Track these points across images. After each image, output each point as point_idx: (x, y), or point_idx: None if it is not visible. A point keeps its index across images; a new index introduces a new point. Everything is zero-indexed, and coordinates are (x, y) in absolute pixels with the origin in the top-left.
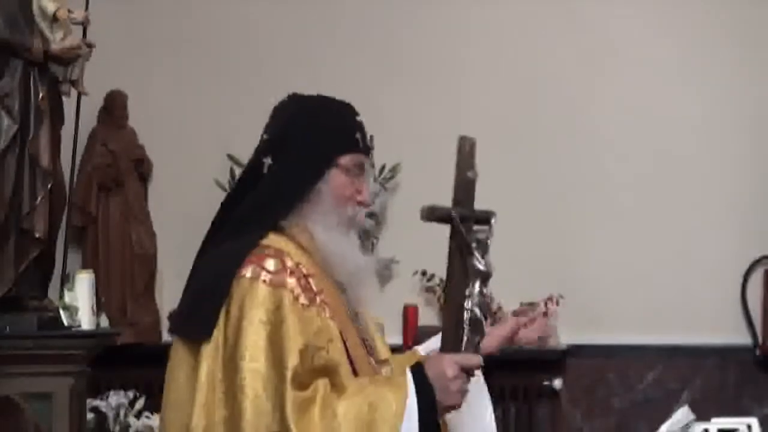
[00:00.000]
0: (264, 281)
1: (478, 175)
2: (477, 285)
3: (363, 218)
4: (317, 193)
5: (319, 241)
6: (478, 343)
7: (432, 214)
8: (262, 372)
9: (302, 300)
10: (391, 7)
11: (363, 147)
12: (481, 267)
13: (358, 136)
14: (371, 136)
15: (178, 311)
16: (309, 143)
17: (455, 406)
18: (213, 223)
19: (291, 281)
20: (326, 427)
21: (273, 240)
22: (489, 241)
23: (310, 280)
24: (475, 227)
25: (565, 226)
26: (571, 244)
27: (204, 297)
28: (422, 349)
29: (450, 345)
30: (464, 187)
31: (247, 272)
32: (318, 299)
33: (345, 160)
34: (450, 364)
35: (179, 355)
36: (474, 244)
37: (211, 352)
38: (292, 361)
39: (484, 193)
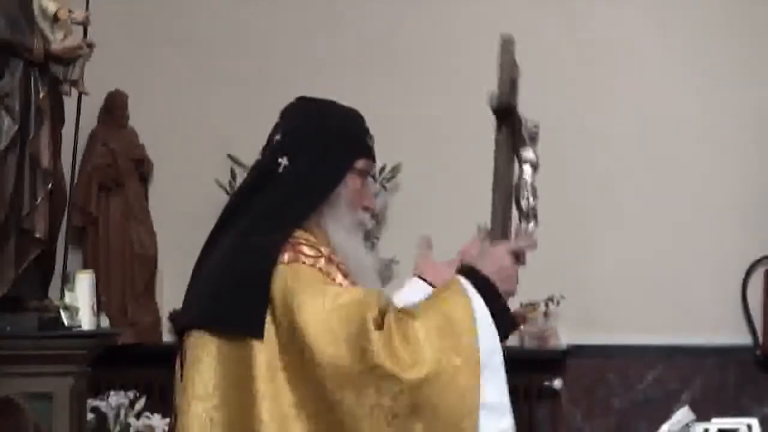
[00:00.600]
0: (304, 263)
1: (520, 74)
2: (530, 174)
3: (369, 223)
4: (336, 196)
5: (335, 241)
6: (532, 229)
7: (494, 102)
8: (330, 324)
9: (344, 284)
10: (391, 7)
11: (373, 154)
12: (533, 157)
13: (369, 142)
14: (371, 137)
15: (203, 303)
16: (327, 146)
17: (514, 293)
18: (222, 217)
19: (332, 267)
20: (412, 353)
21: (300, 235)
22: (539, 135)
23: (343, 267)
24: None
25: (565, 226)
26: (572, 244)
27: (245, 291)
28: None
29: (499, 233)
30: (511, 86)
31: (285, 258)
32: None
33: (361, 164)
34: (505, 255)
35: (206, 348)
36: (528, 136)
37: (260, 344)
38: (371, 313)
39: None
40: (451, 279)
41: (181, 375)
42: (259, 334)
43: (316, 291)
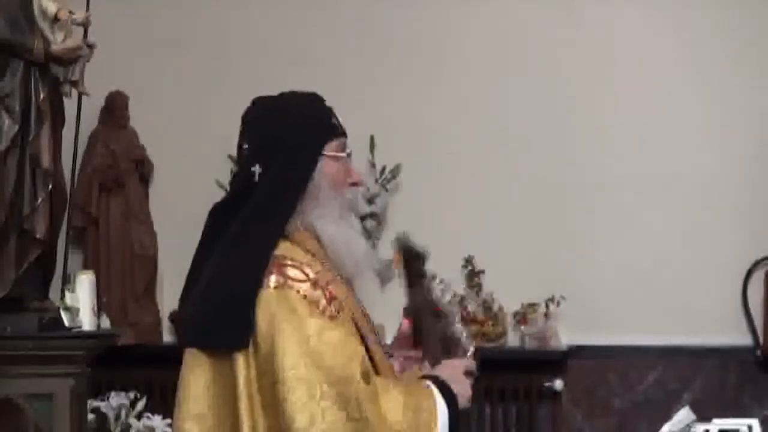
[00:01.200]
0: (290, 288)
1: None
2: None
3: (359, 198)
4: (314, 187)
5: (325, 236)
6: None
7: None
8: (307, 378)
9: (329, 312)
10: (392, 7)
11: (341, 130)
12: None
13: (334, 121)
14: (371, 136)
15: (194, 323)
16: (294, 142)
17: (469, 402)
18: (205, 234)
19: (316, 293)
20: (389, 416)
21: (283, 249)
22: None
23: (330, 287)
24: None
25: (565, 226)
26: (572, 244)
27: (230, 308)
28: None
29: (438, 351)
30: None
31: (271, 282)
32: (342, 308)
33: (331, 147)
34: (462, 369)
35: (198, 366)
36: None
37: (243, 363)
38: (356, 362)
39: (485, 193)
40: (421, 382)
41: None
42: (244, 347)
43: (300, 322)
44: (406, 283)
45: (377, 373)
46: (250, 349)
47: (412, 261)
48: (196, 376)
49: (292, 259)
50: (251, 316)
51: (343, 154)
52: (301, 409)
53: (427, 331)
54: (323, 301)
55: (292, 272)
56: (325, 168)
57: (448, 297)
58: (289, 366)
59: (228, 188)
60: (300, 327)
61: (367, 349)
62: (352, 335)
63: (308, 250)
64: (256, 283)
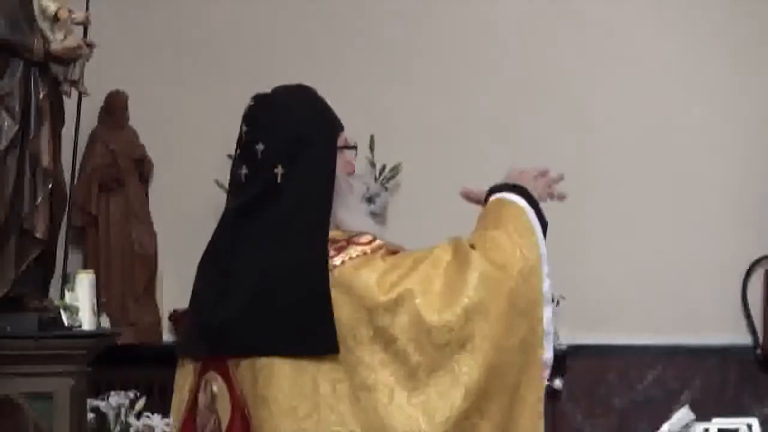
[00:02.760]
0: (367, 252)
1: None
2: None
3: (358, 185)
4: (336, 182)
5: (352, 227)
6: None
7: None
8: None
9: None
10: (392, 7)
11: (339, 122)
12: None
13: (333, 113)
14: (371, 136)
15: (270, 330)
16: (315, 139)
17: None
18: (222, 237)
19: (377, 253)
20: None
21: (335, 234)
22: None
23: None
24: None
25: (565, 226)
26: (572, 244)
27: (304, 310)
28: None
29: None
30: None
31: (350, 252)
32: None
33: (340, 141)
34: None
35: (279, 370)
36: None
37: (360, 345)
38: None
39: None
40: (494, 199)
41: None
42: (333, 350)
43: (385, 264)
44: None
45: None
46: (358, 325)
47: None
48: (277, 378)
49: (348, 234)
50: (331, 314)
51: (352, 146)
52: (425, 283)
53: None
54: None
55: (359, 238)
56: (339, 161)
57: None
58: (394, 279)
59: (228, 188)
60: (390, 261)
61: None
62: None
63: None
64: (325, 277)
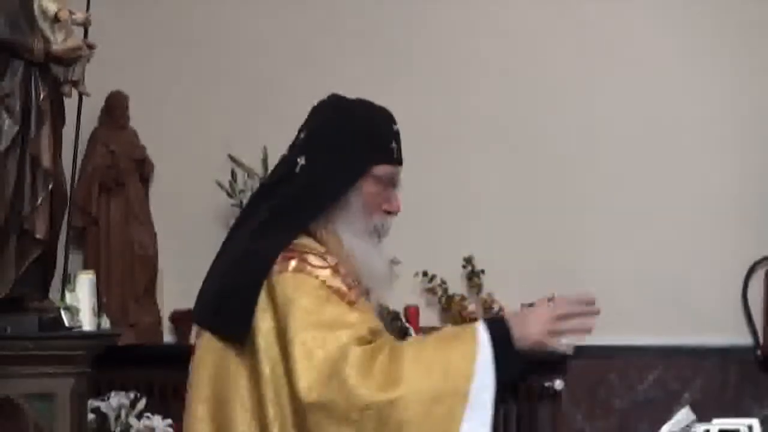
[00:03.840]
0: (307, 273)
1: None
2: None
3: (389, 226)
4: (347, 200)
5: (346, 246)
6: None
7: None
8: (309, 345)
9: (347, 299)
10: (392, 7)
11: (397, 158)
12: None
13: (393, 146)
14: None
15: (207, 306)
16: (344, 149)
17: (531, 337)
18: (243, 213)
19: (336, 280)
20: (391, 373)
21: (307, 242)
22: None
23: (349, 279)
24: None
25: (565, 226)
26: (572, 244)
27: (237, 295)
28: None
29: None
30: None
31: (290, 266)
32: (360, 295)
33: (379, 170)
34: (543, 309)
35: (211, 348)
36: None
37: (253, 348)
38: (352, 318)
39: (485, 193)
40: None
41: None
42: (241, 337)
43: (316, 305)
44: None
45: None
46: (268, 331)
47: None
48: (207, 359)
49: (314, 249)
50: (253, 303)
51: (388, 181)
52: (308, 370)
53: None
54: (343, 288)
55: (313, 259)
56: (365, 187)
57: None
58: (305, 339)
59: (229, 189)
60: (315, 310)
61: None
62: (369, 312)
63: (329, 251)
64: (264, 273)
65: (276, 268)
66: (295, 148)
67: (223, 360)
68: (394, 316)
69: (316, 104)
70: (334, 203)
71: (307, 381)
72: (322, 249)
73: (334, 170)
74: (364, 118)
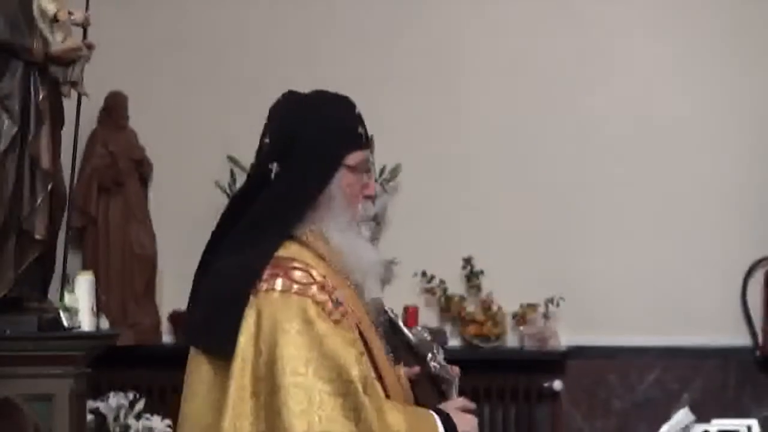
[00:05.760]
0: (296, 293)
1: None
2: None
3: (372, 210)
4: (328, 196)
5: (334, 244)
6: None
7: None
8: (307, 385)
9: (334, 316)
10: (391, 7)
11: (365, 141)
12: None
13: (360, 130)
14: (371, 137)
15: (193, 322)
16: (316, 147)
17: None
18: (218, 227)
19: (322, 296)
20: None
21: (292, 251)
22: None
23: (336, 292)
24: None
25: (565, 227)
26: (571, 244)
27: (223, 311)
28: None
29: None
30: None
31: (277, 285)
32: (347, 312)
33: (352, 159)
34: (463, 406)
35: (198, 365)
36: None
37: (239, 366)
38: (355, 371)
39: (484, 193)
40: (429, 412)
41: None
42: (228, 355)
43: (303, 328)
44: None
45: (381, 380)
46: (249, 352)
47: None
48: (197, 376)
49: (299, 261)
50: (238, 321)
51: (362, 167)
52: (299, 415)
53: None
54: (329, 306)
55: (298, 275)
56: (343, 179)
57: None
58: (290, 372)
59: (228, 189)
60: (303, 333)
61: (371, 356)
62: (354, 342)
63: (316, 252)
64: (250, 286)
65: (263, 285)
66: (264, 155)
67: (216, 376)
68: (383, 311)
69: (273, 104)
70: (315, 203)
71: (302, 423)
72: (309, 256)
73: (310, 169)
74: (326, 109)
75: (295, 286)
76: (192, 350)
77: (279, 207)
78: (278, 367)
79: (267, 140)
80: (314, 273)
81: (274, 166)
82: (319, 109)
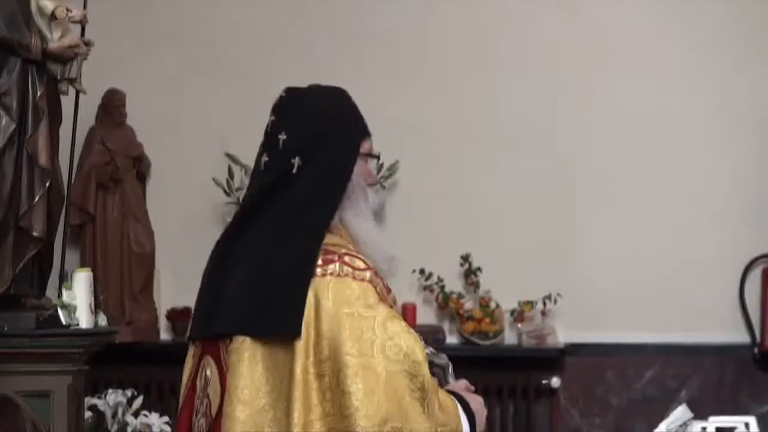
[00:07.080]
0: (354, 278)
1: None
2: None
3: (382, 199)
4: (351, 186)
5: (362, 234)
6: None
7: None
8: (374, 366)
9: (388, 301)
10: (391, 7)
11: (368, 129)
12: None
13: (363, 118)
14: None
15: (237, 312)
16: (336, 138)
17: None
18: (239, 219)
19: (378, 281)
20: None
21: (334, 240)
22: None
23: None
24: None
25: (563, 224)
26: (569, 242)
27: (285, 294)
28: None
29: None
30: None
31: (334, 270)
32: (390, 297)
33: (365, 147)
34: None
35: (250, 353)
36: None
37: (302, 349)
38: (420, 353)
39: (482, 190)
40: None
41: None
42: (296, 335)
43: (366, 310)
44: None
45: None
46: (311, 335)
47: None
48: (246, 362)
49: (346, 248)
50: (303, 303)
51: (374, 155)
52: (369, 395)
53: None
54: (384, 291)
55: (352, 260)
56: (359, 167)
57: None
58: (357, 353)
59: (226, 187)
60: (366, 316)
61: None
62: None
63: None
64: (309, 270)
65: (318, 270)
66: (284, 152)
67: (271, 363)
68: None
69: (278, 102)
70: (343, 192)
71: (371, 404)
72: (350, 245)
73: (335, 160)
74: (339, 102)
75: (353, 271)
76: (236, 342)
77: (311, 198)
78: (345, 349)
79: (283, 136)
80: (364, 259)
81: (296, 160)
82: (331, 103)
